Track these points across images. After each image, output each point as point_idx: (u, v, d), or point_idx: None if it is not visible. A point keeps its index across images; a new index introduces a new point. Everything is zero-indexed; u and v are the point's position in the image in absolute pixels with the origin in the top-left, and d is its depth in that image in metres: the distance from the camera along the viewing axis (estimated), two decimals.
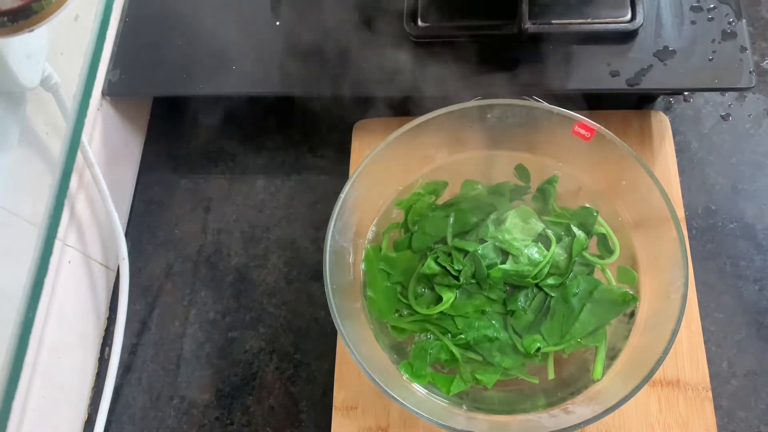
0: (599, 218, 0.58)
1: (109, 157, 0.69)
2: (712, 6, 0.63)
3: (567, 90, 0.62)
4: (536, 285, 0.56)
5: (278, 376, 0.64)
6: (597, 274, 0.58)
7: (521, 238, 0.56)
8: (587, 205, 0.59)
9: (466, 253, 0.56)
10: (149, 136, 0.77)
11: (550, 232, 0.57)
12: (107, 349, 0.67)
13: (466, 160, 0.63)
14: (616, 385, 0.52)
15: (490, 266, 0.55)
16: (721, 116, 0.70)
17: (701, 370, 0.57)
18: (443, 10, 0.66)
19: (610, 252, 0.58)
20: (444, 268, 0.57)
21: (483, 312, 0.55)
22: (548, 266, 0.55)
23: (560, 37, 0.64)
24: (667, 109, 0.70)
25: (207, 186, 0.73)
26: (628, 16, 0.63)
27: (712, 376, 0.57)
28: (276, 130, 0.75)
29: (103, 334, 0.68)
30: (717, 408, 0.56)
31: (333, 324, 0.54)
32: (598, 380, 0.53)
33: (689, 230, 0.63)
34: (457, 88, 0.64)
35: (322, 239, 0.57)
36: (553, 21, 0.64)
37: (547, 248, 0.56)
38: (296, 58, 0.67)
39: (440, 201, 0.62)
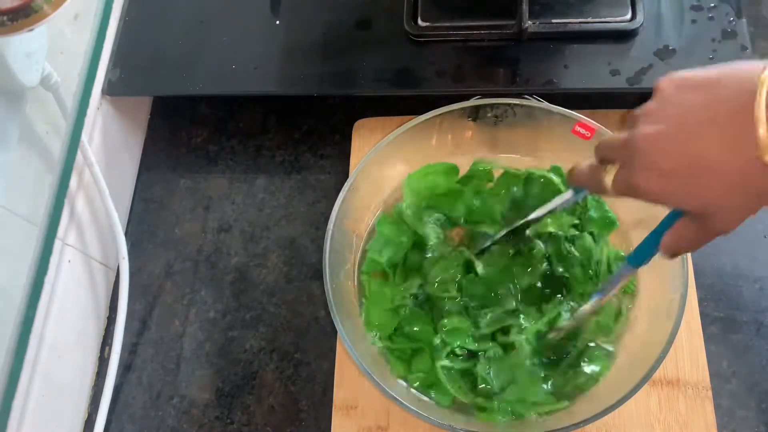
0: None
1: (109, 156, 0.69)
2: (712, 5, 0.63)
3: (567, 89, 0.62)
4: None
5: (278, 376, 0.64)
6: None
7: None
8: None
9: None
10: (149, 136, 0.77)
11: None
12: (107, 348, 0.67)
13: (466, 160, 0.63)
14: (616, 384, 0.52)
15: None
16: None
17: (701, 369, 0.57)
18: (444, 9, 0.66)
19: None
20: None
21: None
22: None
23: (560, 36, 0.64)
24: None
25: (207, 185, 0.73)
26: (629, 15, 0.63)
27: (712, 375, 0.57)
28: (276, 130, 0.75)
29: (103, 333, 0.68)
30: (717, 407, 0.56)
31: (333, 323, 0.54)
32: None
33: None
34: (457, 87, 0.64)
35: (322, 238, 0.57)
36: (554, 20, 0.64)
37: None
38: (296, 58, 0.67)
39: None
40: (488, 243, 0.59)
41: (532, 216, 0.55)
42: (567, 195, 0.52)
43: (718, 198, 0.35)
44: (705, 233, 0.37)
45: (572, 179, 0.46)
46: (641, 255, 0.46)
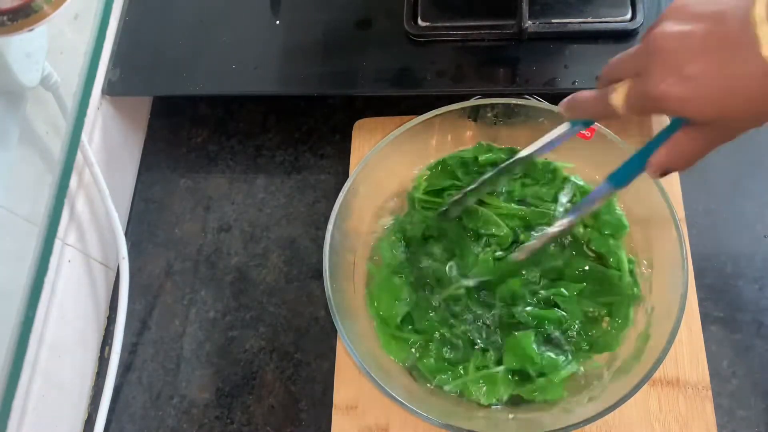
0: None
1: (109, 156, 0.69)
2: None
3: (567, 89, 0.62)
4: None
5: (278, 376, 0.64)
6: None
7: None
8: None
9: None
10: (149, 136, 0.77)
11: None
12: (107, 348, 0.67)
13: None
14: (616, 383, 0.52)
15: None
16: None
17: (701, 369, 0.57)
18: (444, 9, 0.66)
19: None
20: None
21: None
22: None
23: (560, 36, 0.64)
24: None
25: (207, 185, 0.73)
26: (629, 15, 0.63)
27: (712, 375, 0.57)
28: (276, 130, 0.75)
29: (103, 333, 0.68)
30: (717, 407, 0.56)
31: (333, 323, 0.54)
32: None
33: (689, 230, 0.63)
34: (457, 87, 0.64)
35: (322, 238, 0.57)
36: (554, 20, 0.64)
37: None
38: (296, 58, 0.67)
39: None
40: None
41: (523, 153, 0.52)
42: (563, 128, 0.48)
43: (739, 105, 0.33)
44: (706, 145, 0.36)
45: (574, 110, 0.43)
46: (625, 174, 0.43)
